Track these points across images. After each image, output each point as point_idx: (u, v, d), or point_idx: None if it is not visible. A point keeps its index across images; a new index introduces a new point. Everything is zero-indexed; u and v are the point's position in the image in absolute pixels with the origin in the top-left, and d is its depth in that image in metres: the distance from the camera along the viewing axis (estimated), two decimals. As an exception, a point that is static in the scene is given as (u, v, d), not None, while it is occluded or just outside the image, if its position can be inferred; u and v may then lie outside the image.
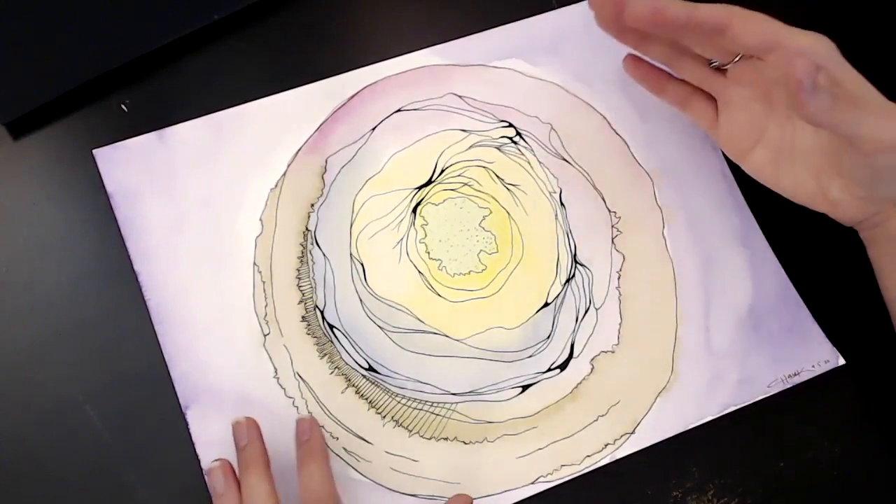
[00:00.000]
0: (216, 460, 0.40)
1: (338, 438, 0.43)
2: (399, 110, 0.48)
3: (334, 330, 0.44)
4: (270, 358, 0.43)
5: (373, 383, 0.44)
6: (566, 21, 0.51)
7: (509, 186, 0.48)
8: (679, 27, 0.39)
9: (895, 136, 0.37)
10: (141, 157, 0.45)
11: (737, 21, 0.38)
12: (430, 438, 0.43)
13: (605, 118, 0.49)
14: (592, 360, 0.45)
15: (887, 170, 0.39)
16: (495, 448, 0.43)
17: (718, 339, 0.46)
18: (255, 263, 0.44)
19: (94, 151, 0.45)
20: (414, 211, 0.47)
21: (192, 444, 0.42)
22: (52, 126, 0.46)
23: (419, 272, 0.46)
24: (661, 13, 0.38)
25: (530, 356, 0.45)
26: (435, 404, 0.44)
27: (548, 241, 0.47)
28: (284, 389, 0.43)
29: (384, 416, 0.43)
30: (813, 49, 0.37)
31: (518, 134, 0.48)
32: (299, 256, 0.45)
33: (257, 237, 0.45)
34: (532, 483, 0.43)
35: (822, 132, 0.41)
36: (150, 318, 0.43)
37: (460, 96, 0.49)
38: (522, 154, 0.48)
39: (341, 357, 0.44)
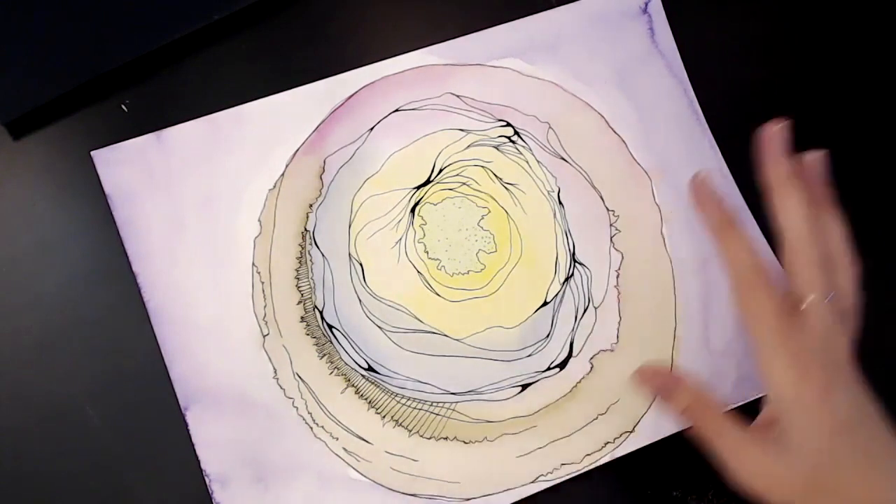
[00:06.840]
0: None
1: (337, 439, 0.43)
2: (397, 110, 0.48)
3: (333, 330, 0.44)
4: (270, 358, 0.43)
5: (372, 383, 0.44)
6: (564, 20, 0.51)
7: (507, 186, 0.48)
8: None
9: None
10: (139, 158, 0.45)
11: None
12: (429, 438, 0.43)
13: (603, 117, 0.49)
14: (592, 358, 0.45)
15: None
16: (495, 447, 0.43)
17: (717, 337, 0.46)
18: (253, 264, 0.45)
19: (92, 153, 0.45)
20: (412, 210, 0.47)
21: (192, 445, 0.42)
22: (52, 126, 0.46)
23: (418, 272, 0.46)
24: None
25: (529, 355, 0.45)
26: (434, 404, 0.44)
27: (546, 240, 0.47)
28: (284, 390, 0.43)
29: (384, 416, 0.43)
30: None
31: (516, 133, 0.48)
32: (298, 257, 0.45)
33: (256, 238, 0.45)
34: (532, 482, 0.43)
35: None
36: (150, 319, 0.43)
37: (458, 96, 0.49)
38: (520, 153, 0.48)
39: (340, 357, 0.44)
